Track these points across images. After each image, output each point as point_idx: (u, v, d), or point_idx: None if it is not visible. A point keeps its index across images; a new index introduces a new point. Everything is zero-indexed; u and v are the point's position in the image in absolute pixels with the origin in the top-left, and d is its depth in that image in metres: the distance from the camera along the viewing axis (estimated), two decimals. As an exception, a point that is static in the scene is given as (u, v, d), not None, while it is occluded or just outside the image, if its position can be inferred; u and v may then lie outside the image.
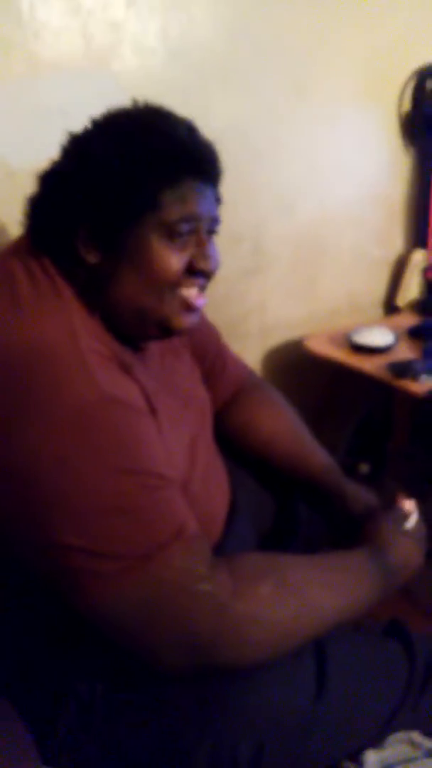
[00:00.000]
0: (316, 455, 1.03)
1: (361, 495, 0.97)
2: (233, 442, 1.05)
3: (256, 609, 0.68)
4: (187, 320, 0.80)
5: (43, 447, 0.63)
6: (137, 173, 0.73)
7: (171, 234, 0.75)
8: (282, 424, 1.06)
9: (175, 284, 0.77)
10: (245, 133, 1.47)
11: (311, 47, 1.52)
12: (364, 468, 1.71)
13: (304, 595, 0.73)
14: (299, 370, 1.73)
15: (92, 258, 0.75)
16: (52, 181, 0.78)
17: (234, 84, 1.41)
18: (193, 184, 0.76)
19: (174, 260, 0.76)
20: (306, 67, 1.53)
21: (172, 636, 0.66)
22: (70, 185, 0.75)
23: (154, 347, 0.89)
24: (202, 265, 0.78)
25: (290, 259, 1.69)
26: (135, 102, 0.79)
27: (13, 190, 1.00)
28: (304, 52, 1.51)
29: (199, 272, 0.79)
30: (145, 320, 0.78)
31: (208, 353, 1.07)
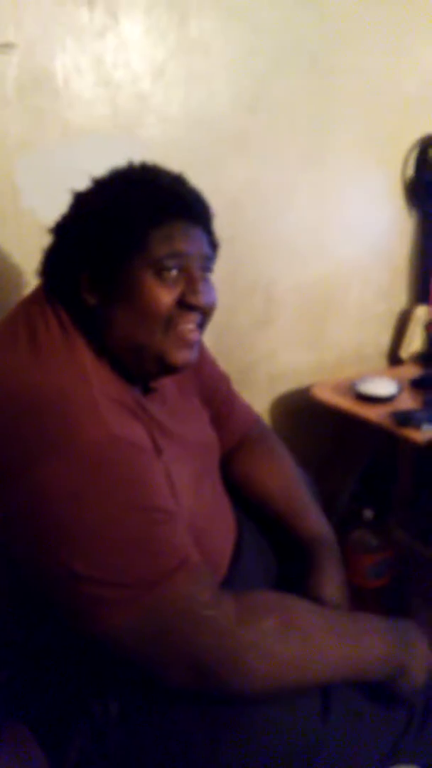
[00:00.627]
0: (307, 521, 1.01)
1: (333, 581, 0.94)
2: (235, 490, 1.06)
3: (258, 639, 0.70)
4: (185, 356, 0.82)
5: (56, 482, 0.66)
6: (126, 218, 0.78)
7: (160, 270, 0.78)
8: (278, 484, 1.05)
9: (168, 319, 0.79)
10: (260, 195, 1.52)
11: (322, 118, 1.59)
12: (368, 514, 1.67)
13: (308, 636, 0.74)
14: (306, 416, 1.75)
15: (91, 300, 0.79)
16: (59, 233, 0.84)
17: (250, 151, 1.48)
18: (180, 224, 0.80)
19: (163, 295, 0.78)
20: (317, 136, 1.60)
21: (178, 659, 0.68)
22: (72, 236, 0.81)
23: (166, 388, 0.92)
24: (192, 299, 0.80)
25: (300, 310, 1.73)
26: (131, 162, 0.85)
27: (42, 244, 1.09)
28: (316, 122, 1.58)
29: (192, 307, 0.81)
30: (142, 357, 0.80)
31: (216, 397, 1.08)
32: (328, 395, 1.63)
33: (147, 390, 0.89)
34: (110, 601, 0.67)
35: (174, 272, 0.80)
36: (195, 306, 0.81)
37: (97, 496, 0.67)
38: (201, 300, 0.81)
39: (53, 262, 0.84)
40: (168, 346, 0.81)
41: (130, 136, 1.29)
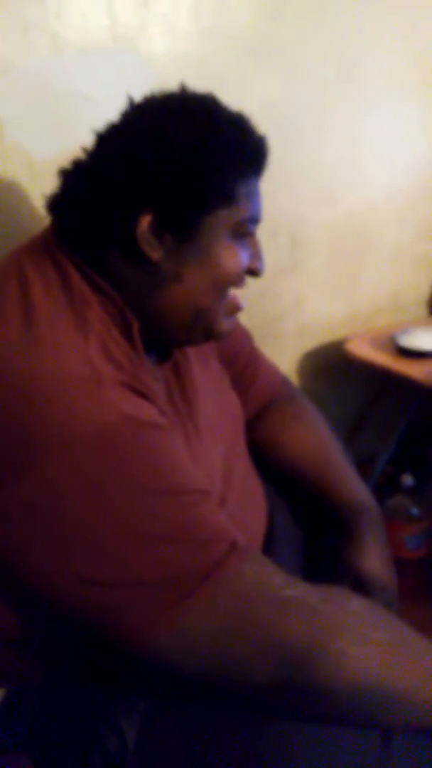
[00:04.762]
0: (344, 488, 0.98)
1: (375, 554, 0.89)
2: (259, 458, 1.02)
3: (350, 620, 0.66)
4: (230, 324, 0.82)
5: (67, 480, 0.60)
6: (214, 161, 0.72)
7: (240, 233, 0.76)
8: (310, 448, 1.02)
9: (235, 285, 0.78)
10: (283, 117, 1.45)
11: (359, 22, 1.48)
12: (407, 479, 1.68)
13: (394, 628, 0.69)
14: (338, 373, 1.73)
15: (156, 254, 0.73)
16: (101, 166, 0.74)
17: (272, 64, 1.39)
18: (255, 181, 0.77)
19: (242, 260, 0.77)
20: (352, 45, 1.50)
21: (263, 650, 0.63)
22: (135, 171, 0.71)
23: (182, 355, 0.87)
24: (258, 265, 0.80)
25: (329, 253, 1.68)
26: (183, 87, 0.77)
27: (33, 183, 0.99)
28: (351, 28, 1.48)
29: (255, 273, 0.80)
30: (197, 323, 0.78)
31: (239, 358, 1.04)
32: (364, 350, 1.59)
33: (164, 358, 0.84)
34: (157, 606, 0.61)
35: (250, 236, 0.79)
36: (258, 272, 0.81)
37: (119, 486, 0.61)
38: (263, 267, 0.81)
39: (83, 203, 0.74)
40: (221, 313, 0.79)
41: (131, 51, 1.19)
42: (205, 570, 0.62)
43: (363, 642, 0.65)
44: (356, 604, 0.68)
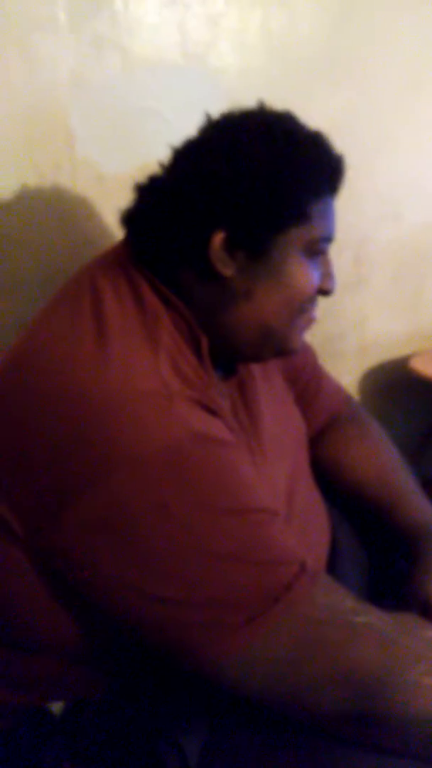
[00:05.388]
0: (410, 510, 0.94)
1: None
2: (322, 477, 0.99)
3: (424, 649, 0.63)
4: (301, 342, 0.81)
5: (136, 496, 0.59)
6: (290, 180, 0.71)
7: (312, 251, 0.75)
8: (374, 468, 0.99)
9: (306, 304, 0.77)
10: (351, 132, 1.38)
11: (427, 34, 1.45)
12: None
13: None
14: (402, 392, 1.70)
15: (228, 270, 0.72)
16: (177, 182, 0.74)
17: (340, 79, 1.38)
18: (329, 200, 0.76)
19: (314, 279, 0.75)
20: (420, 57, 1.47)
21: (332, 678, 0.61)
22: (210, 187, 0.71)
23: (246, 372, 0.86)
24: (330, 285, 0.79)
25: (394, 269, 1.65)
26: (262, 104, 0.77)
27: (102, 198, 1.00)
28: (419, 39, 1.45)
29: (327, 293, 0.79)
30: (267, 341, 0.77)
31: (303, 375, 1.03)
32: (428, 367, 1.56)
33: (230, 373, 0.83)
34: (225, 628, 0.59)
35: (322, 255, 0.78)
36: (330, 292, 0.80)
37: (188, 503, 0.60)
38: (335, 286, 0.80)
39: (160, 219, 0.74)
40: (294, 332, 0.78)
41: (200, 67, 1.19)
42: (274, 592, 0.60)
43: None
44: (430, 632, 0.65)
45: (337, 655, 0.61)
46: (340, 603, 0.63)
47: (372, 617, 0.63)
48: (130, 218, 0.77)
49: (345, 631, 0.61)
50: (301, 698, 0.62)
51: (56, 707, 0.74)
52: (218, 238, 0.70)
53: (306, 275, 0.74)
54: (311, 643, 0.61)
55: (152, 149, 0.78)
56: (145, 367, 0.64)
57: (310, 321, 0.80)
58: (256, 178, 0.70)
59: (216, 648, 0.60)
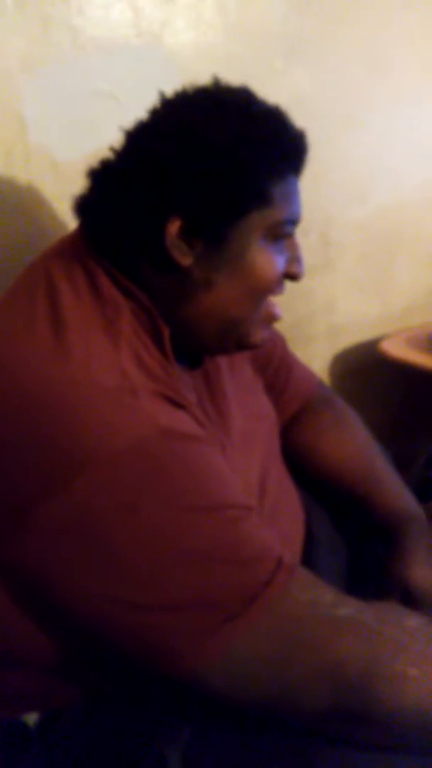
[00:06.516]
0: (388, 495, 0.94)
1: (424, 566, 0.85)
2: (296, 465, 0.98)
3: (407, 640, 0.62)
4: (264, 335, 0.78)
5: (102, 498, 0.57)
6: (247, 160, 0.68)
7: (276, 235, 0.72)
8: (349, 454, 0.99)
9: (271, 293, 0.74)
10: (312, 112, 1.36)
11: (389, 15, 1.47)
12: None
13: None
14: (372, 375, 1.70)
15: (186, 260, 0.70)
16: (129, 167, 0.71)
17: (300, 58, 1.37)
18: (293, 179, 0.73)
19: (278, 264, 0.73)
20: (383, 38, 1.48)
21: (317, 676, 0.60)
22: (162, 172, 0.68)
23: (211, 363, 0.84)
24: (297, 269, 0.76)
25: (362, 251, 1.65)
26: (216, 80, 0.74)
27: (58, 185, 0.97)
28: (381, 21, 1.46)
29: (294, 278, 0.77)
30: (230, 333, 0.75)
31: (272, 362, 1.01)
32: (399, 350, 1.56)
33: (195, 365, 0.81)
34: (202, 629, 0.58)
35: (288, 239, 0.75)
36: (298, 277, 0.77)
37: (157, 503, 0.58)
38: (303, 270, 0.77)
39: (113, 206, 0.71)
40: (256, 323, 0.76)
41: (155, 46, 1.17)
42: (252, 591, 0.59)
43: (424, 661, 0.61)
44: (413, 621, 0.64)
45: (321, 652, 0.60)
46: (319, 597, 0.62)
47: (353, 609, 0.62)
48: (83, 206, 0.74)
49: (327, 626, 0.60)
50: (286, 698, 0.61)
51: (31, 719, 0.72)
52: (174, 226, 0.68)
53: (269, 262, 0.72)
54: (293, 641, 0.60)
55: (107, 134, 0.75)
56: (106, 361, 0.62)
57: (272, 317, 0.78)
58: (210, 160, 0.67)
59: (194, 651, 0.58)
